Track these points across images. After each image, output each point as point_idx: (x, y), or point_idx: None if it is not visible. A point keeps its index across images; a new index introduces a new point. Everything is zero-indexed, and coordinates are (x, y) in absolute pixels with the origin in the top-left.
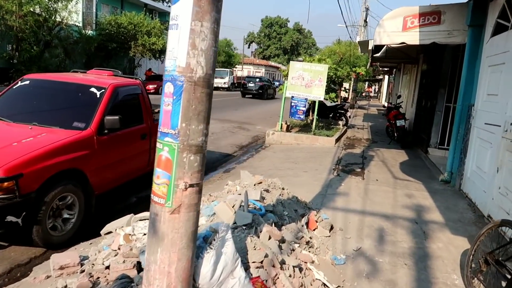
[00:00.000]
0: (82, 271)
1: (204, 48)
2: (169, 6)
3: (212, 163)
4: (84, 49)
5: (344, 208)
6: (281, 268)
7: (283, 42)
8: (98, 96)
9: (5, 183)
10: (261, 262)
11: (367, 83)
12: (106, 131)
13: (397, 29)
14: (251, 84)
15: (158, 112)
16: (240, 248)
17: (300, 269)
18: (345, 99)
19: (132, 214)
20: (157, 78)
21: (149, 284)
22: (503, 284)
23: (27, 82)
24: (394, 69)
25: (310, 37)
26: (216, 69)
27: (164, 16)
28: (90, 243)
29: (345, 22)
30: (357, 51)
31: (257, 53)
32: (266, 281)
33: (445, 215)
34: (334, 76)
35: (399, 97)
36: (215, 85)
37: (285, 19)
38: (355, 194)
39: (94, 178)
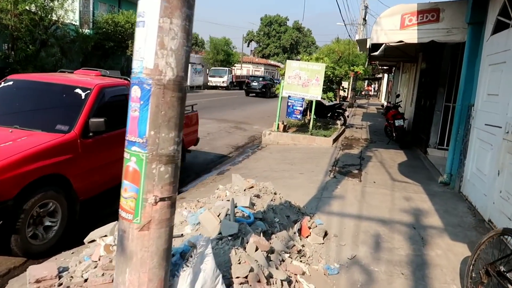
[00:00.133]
0: (60, 285)
1: (174, 47)
2: None
3: (206, 165)
4: (81, 48)
5: (340, 213)
6: (268, 283)
7: (283, 40)
8: (83, 97)
9: None
10: (246, 277)
11: (366, 81)
12: (91, 134)
13: (394, 27)
14: (254, 83)
15: None
16: (223, 262)
17: (289, 283)
18: (344, 98)
19: (116, 222)
20: None
21: None
22: None
23: (11, 83)
24: (394, 68)
25: (309, 35)
26: (215, 68)
27: None
28: (72, 253)
29: (343, 21)
30: (356, 49)
31: (256, 51)
32: None
33: (444, 219)
34: (331, 75)
35: (397, 96)
36: (214, 84)
37: (285, 18)
38: (352, 197)
39: (78, 183)
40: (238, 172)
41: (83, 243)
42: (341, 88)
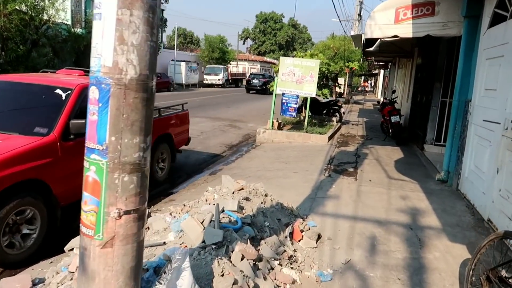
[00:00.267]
0: None
1: (136, 42)
2: (162, 2)
3: (199, 165)
4: (73, 48)
5: (334, 214)
6: None
7: (278, 37)
8: (63, 98)
9: None
10: None
11: (362, 77)
12: (72, 137)
13: (389, 21)
14: (255, 81)
15: None
16: (205, 274)
17: None
18: (340, 94)
19: None
20: None
21: None
22: None
23: None
24: (389, 63)
25: (305, 32)
26: (210, 66)
27: None
28: (51, 262)
29: (338, 17)
30: (352, 45)
31: (252, 49)
32: None
33: (442, 219)
34: (326, 71)
35: (393, 92)
36: (209, 82)
37: (280, 15)
38: (347, 196)
39: (58, 188)
40: (231, 172)
41: (64, 251)
42: (336, 84)
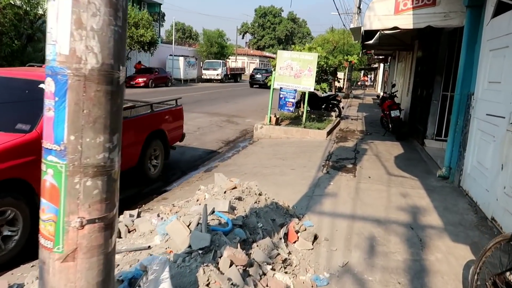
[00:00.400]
0: None
1: (97, 26)
2: None
3: (194, 162)
4: None
5: (332, 213)
6: None
7: (278, 32)
8: None
9: None
10: None
11: (362, 72)
12: None
13: (388, 12)
14: (258, 76)
15: (125, 109)
16: (189, 284)
17: None
18: (340, 89)
19: None
20: (147, 71)
21: None
22: None
23: None
24: (389, 57)
25: (304, 26)
26: (208, 60)
27: (153, 7)
28: (32, 266)
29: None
30: (351, 39)
31: (251, 43)
32: None
33: (444, 218)
34: (325, 65)
35: (393, 86)
36: (208, 77)
37: (279, 9)
38: (345, 194)
39: None
40: (227, 169)
41: None
42: (336, 79)
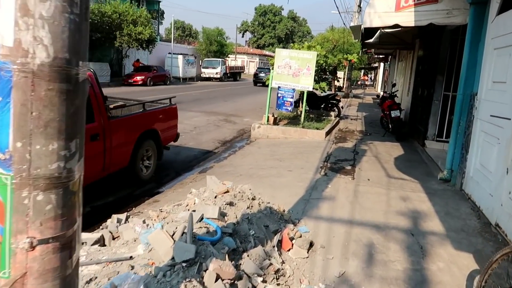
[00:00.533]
0: None
1: (47, 14)
2: None
3: (189, 162)
4: None
5: (329, 217)
6: None
7: (278, 30)
8: None
9: None
10: None
11: (362, 71)
12: None
13: (389, 9)
14: (262, 74)
15: (115, 108)
16: None
17: None
18: (340, 88)
19: None
20: (145, 69)
21: None
22: None
23: None
24: (390, 56)
25: (305, 25)
26: (208, 59)
27: (152, 4)
28: None
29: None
30: (351, 38)
31: (251, 42)
32: None
33: (446, 223)
34: (324, 64)
35: (394, 85)
36: (207, 76)
37: (279, 7)
38: (343, 198)
39: None
40: (222, 170)
41: None
42: (335, 78)
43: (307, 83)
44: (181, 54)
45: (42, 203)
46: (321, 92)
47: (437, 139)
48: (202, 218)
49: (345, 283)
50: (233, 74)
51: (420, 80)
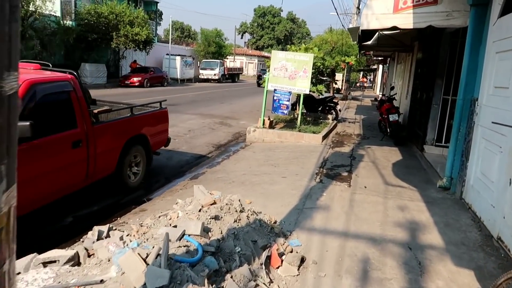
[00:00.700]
0: None
1: None
2: None
3: (180, 167)
4: (62, 41)
5: (323, 229)
6: None
7: (277, 32)
8: None
9: None
10: None
11: (361, 73)
12: None
13: (387, 10)
14: (265, 76)
15: (99, 113)
16: None
17: None
18: (338, 90)
19: (34, 254)
20: (142, 71)
21: None
22: None
23: None
24: (389, 58)
25: (304, 26)
26: (206, 60)
27: (150, 5)
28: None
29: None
30: (350, 39)
31: (250, 43)
32: None
33: (445, 236)
34: (321, 66)
35: (392, 88)
36: (205, 77)
37: (278, 9)
38: (338, 207)
39: None
40: (214, 176)
41: None
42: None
43: (303, 85)
44: (179, 55)
45: None
46: (319, 95)
47: (436, 144)
48: (184, 235)
49: None
50: (232, 76)
51: (419, 83)
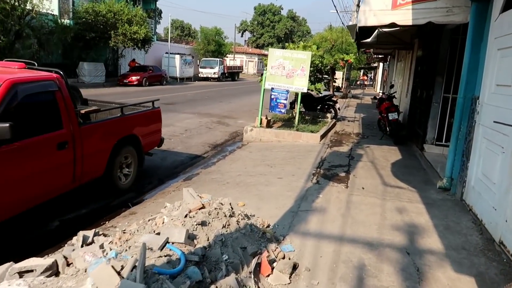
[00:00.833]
0: None
1: None
2: None
3: (174, 168)
4: (59, 40)
5: (317, 233)
6: None
7: (277, 30)
8: None
9: None
10: None
11: (361, 71)
12: None
13: (385, 6)
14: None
15: (87, 113)
16: None
17: None
18: (338, 88)
19: (11, 263)
20: (141, 69)
21: None
22: None
23: None
24: (389, 56)
25: (304, 24)
26: (205, 59)
27: (149, 3)
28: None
29: (335, 6)
30: (349, 37)
31: (250, 41)
32: None
33: (445, 239)
34: (320, 64)
35: (392, 86)
36: (205, 76)
37: (279, 7)
38: (335, 210)
39: None
40: (209, 177)
41: None
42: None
43: (301, 84)
44: (178, 53)
45: None
46: (317, 93)
47: (437, 143)
48: (167, 243)
49: None
50: (231, 74)
51: (419, 81)
